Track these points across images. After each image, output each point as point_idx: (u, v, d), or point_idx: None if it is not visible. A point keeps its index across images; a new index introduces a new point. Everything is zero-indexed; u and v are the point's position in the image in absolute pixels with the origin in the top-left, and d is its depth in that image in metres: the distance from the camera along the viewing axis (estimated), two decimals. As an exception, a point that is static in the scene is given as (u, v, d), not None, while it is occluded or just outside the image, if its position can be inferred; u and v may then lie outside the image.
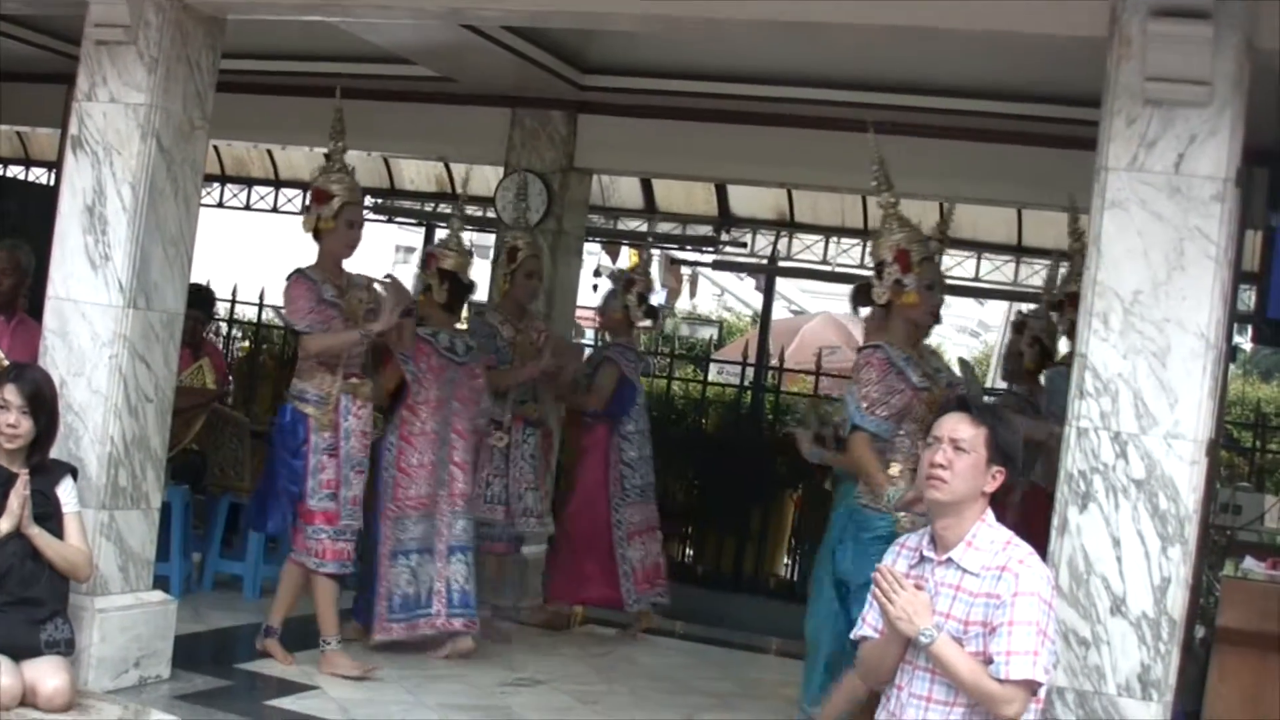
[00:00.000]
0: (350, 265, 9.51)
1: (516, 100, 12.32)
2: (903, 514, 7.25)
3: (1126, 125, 6.53)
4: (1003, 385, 11.02)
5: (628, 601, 11.07)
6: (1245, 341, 14.02)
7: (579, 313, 13.89)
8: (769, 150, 11.72)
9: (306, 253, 9.71)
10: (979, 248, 16.78)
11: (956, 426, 5.58)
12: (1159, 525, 6.40)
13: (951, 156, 11.35)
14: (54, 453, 7.97)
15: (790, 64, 11.29)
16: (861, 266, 16.33)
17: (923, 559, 5.64)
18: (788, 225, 17.08)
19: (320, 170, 9.44)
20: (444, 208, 17.77)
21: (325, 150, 9.63)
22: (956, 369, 8.73)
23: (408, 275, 10.89)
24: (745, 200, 17.07)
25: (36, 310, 8.92)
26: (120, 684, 8.28)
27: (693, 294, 29.24)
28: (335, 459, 9.16)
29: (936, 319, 8.30)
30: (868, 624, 5.72)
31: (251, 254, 11.72)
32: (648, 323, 11.44)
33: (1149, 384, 6.45)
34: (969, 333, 41.65)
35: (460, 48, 10.98)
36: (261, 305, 14.74)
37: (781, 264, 17.20)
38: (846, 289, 10.70)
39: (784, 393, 14.66)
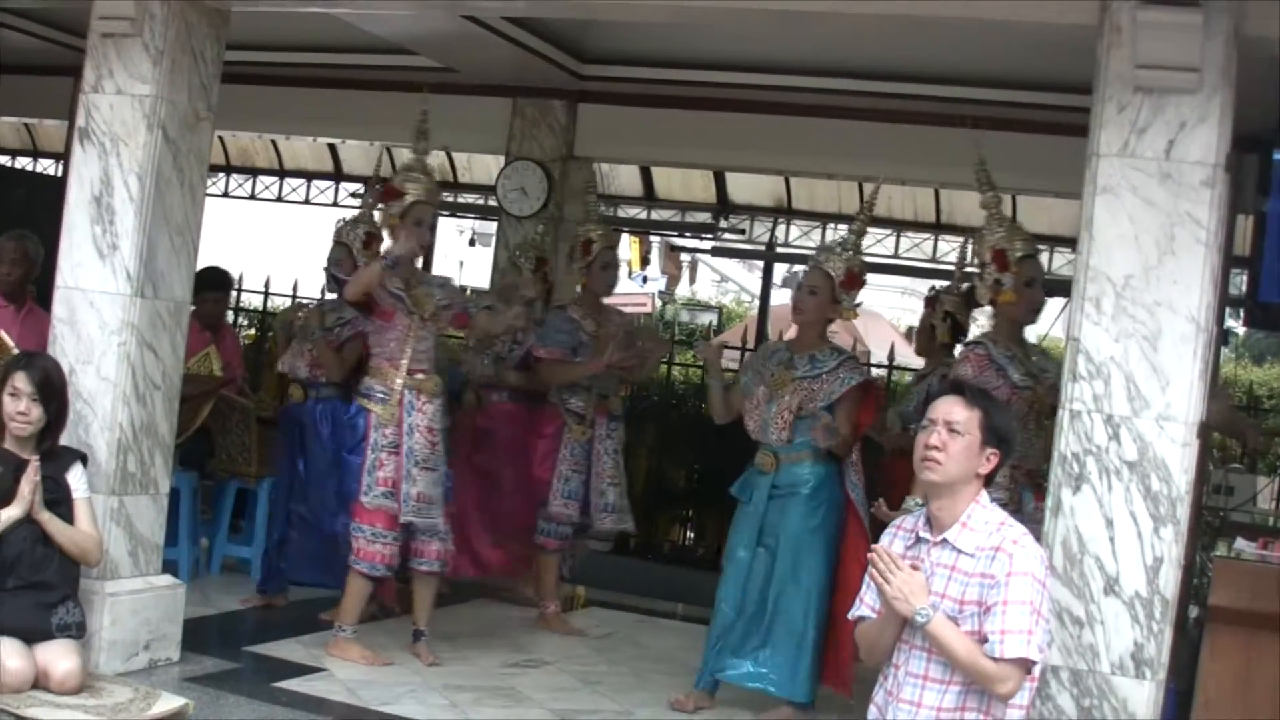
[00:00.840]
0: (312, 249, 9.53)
1: (517, 90, 12.34)
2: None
3: (1117, 112, 6.54)
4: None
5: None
6: (1238, 325, 14.03)
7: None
8: (766, 138, 11.74)
9: (309, 241, 9.75)
10: (973, 233, 16.74)
11: (951, 409, 5.58)
12: (1151, 506, 6.42)
13: (947, 143, 11.32)
14: (64, 439, 8.01)
15: (787, 53, 11.31)
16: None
17: (918, 540, 5.65)
18: (785, 212, 17.09)
19: (400, 168, 9.44)
20: (447, 195, 17.76)
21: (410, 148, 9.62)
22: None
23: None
24: (743, 187, 17.06)
25: (45, 299, 8.93)
26: (130, 666, 8.31)
27: (692, 280, 29.25)
28: (396, 456, 9.13)
29: (1036, 316, 8.37)
30: (865, 604, 5.73)
31: (256, 243, 11.68)
32: None
33: (1141, 367, 6.46)
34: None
35: (461, 38, 10.99)
36: (268, 293, 14.72)
37: (779, 250, 17.19)
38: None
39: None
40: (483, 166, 17.51)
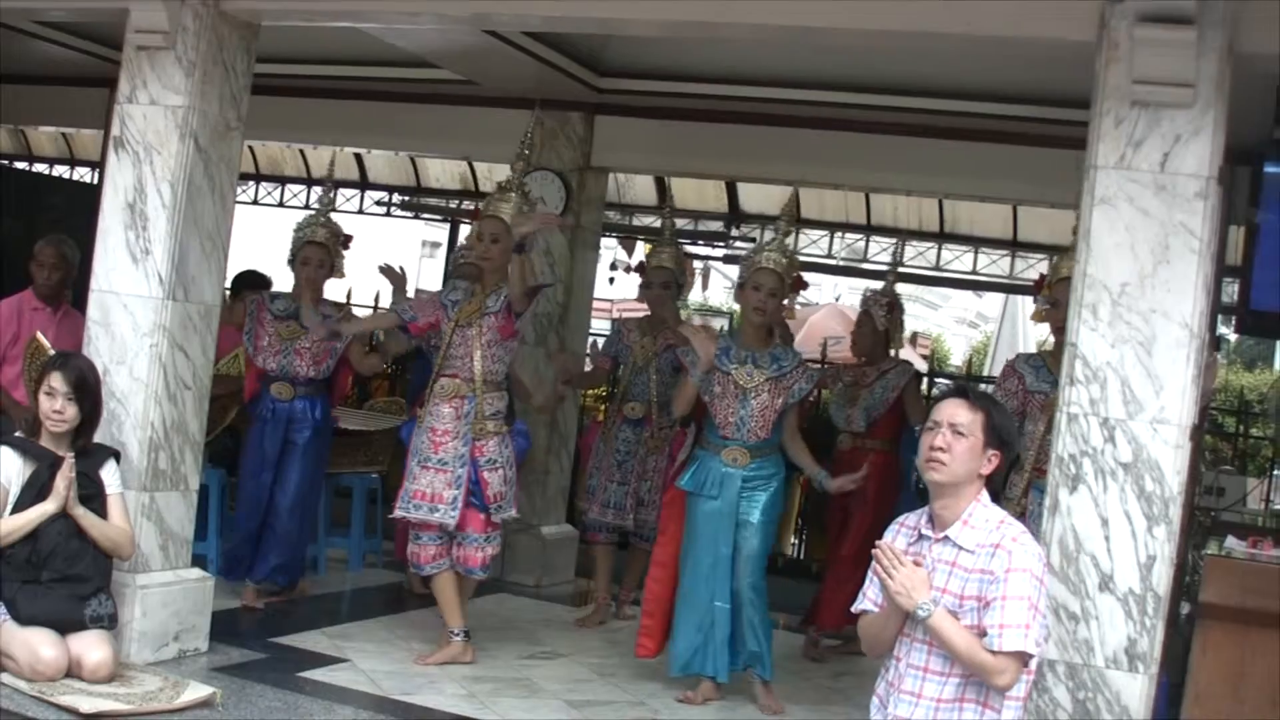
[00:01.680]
0: (376, 258, 9.52)
1: (536, 102, 12.32)
2: None
3: (1115, 125, 6.54)
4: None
5: None
6: (1229, 331, 14.02)
7: (596, 303, 13.90)
8: (777, 149, 11.73)
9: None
10: (976, 242, 16.82)
11: (955, 412, 5.59)
12: (1145, 506, 6.42)
13: (951, 155, 11.36)
14: (97, 437, 8.04)
15: (796, 67, 11.31)
16: (865, 260, 16.37)
17: (921, 537, 5.65)
18: (794, 221, 17.06)
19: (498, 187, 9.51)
20: (468, 204, 17.78)
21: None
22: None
23: (434, 269, 10.91)
24: (754, 197, 17.08)
25: (80, 302, 8.95)
26: (160, 656, 8.32)
27: (705, 286, 29.24)
28: (410, 453, 9.18)
29: (1063, 332, 8.36)
30: (868, 598, 5.74)
31: (284, 249, 11.72)
32: None
33: (1136, 372, 6.46)
34: (968, 324, 41.68)
35: (483, 52, 10.99)
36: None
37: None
38: (851, 281, 10.74)
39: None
40: (503, 175, 17.50)
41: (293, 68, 12.51)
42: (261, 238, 11.56)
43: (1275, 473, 14.87)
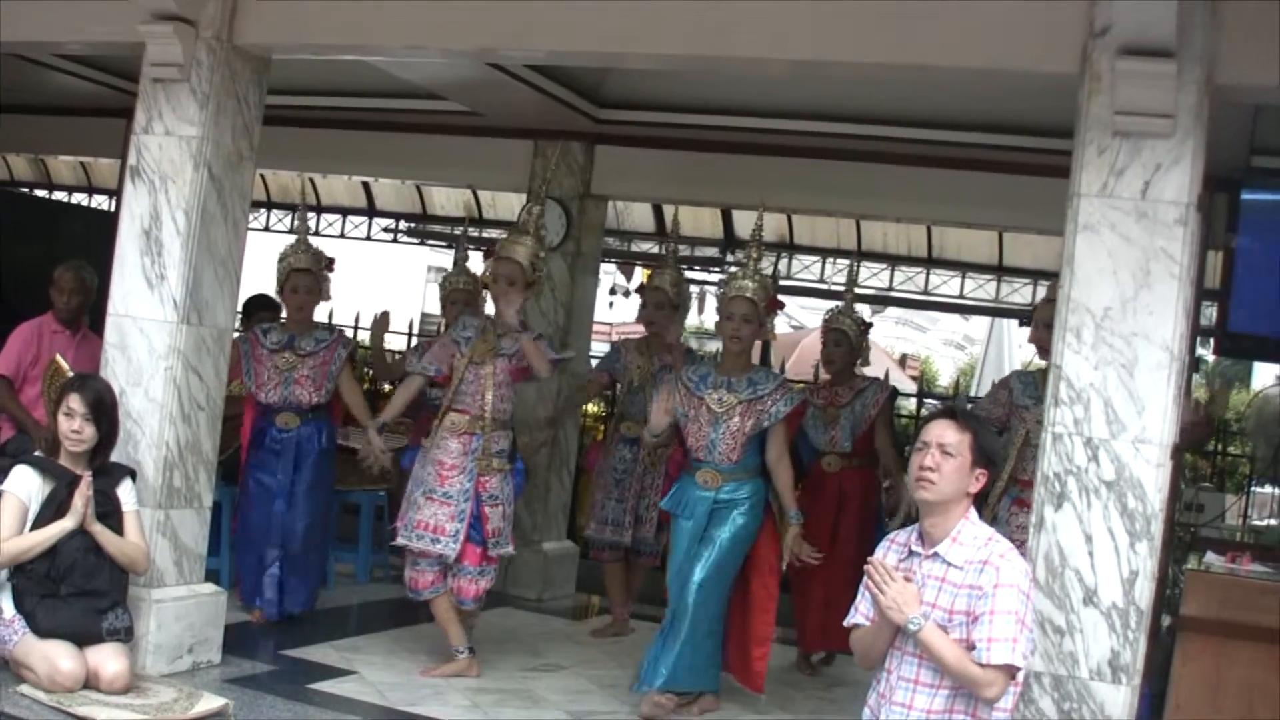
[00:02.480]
0: (382, 283, 9.51)
1: (538, 132, 12.32)
2: None
3: (1097, 155, 6.55)
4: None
5: None
6: (1208, 353, 14.00)
7: (596, 327, 13.90)
8: (770, 178, 11.72)
9: (344, 274, 9.80)
10: (963, 267, 16.85)
11: (943, 432, 5.59)
12: (1128, 523, 6.42)
13: (938, 184, 11.37)
14: (114, 456, 8.04)
15: (789, 100, 11.33)
16: (857, 286, 16.38)
17: (911, 553, 5.66)
18: (788, 247, 17.13)
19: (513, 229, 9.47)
20: (473, 231, 17.81)
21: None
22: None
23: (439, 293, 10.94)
24: (748, 224, 16.99)
25: (99, 325, 8.95)
26: (175, 668, 8.31)
27: (700, 310, 29.24)
28: (414, 483, 9.15)
29: (1045, 354, 8.33)
30: (860, 612, 5.74)
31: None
32: None
33: (1118, 393, 6.47)
34: (955, 345, 41.71)
35: (486, 84, 11.00)
36: (357, 327, 14.71)
37: (782, 283, 17.18)
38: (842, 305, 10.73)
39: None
40: (506, 203, 17.56)
41: (303, 99, 12.52)
42: (273, 264, 11.56)
43: (1253, 489, 14.89)
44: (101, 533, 7.73)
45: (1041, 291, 15.18)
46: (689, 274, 17.00)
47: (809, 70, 8.25)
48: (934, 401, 15.03)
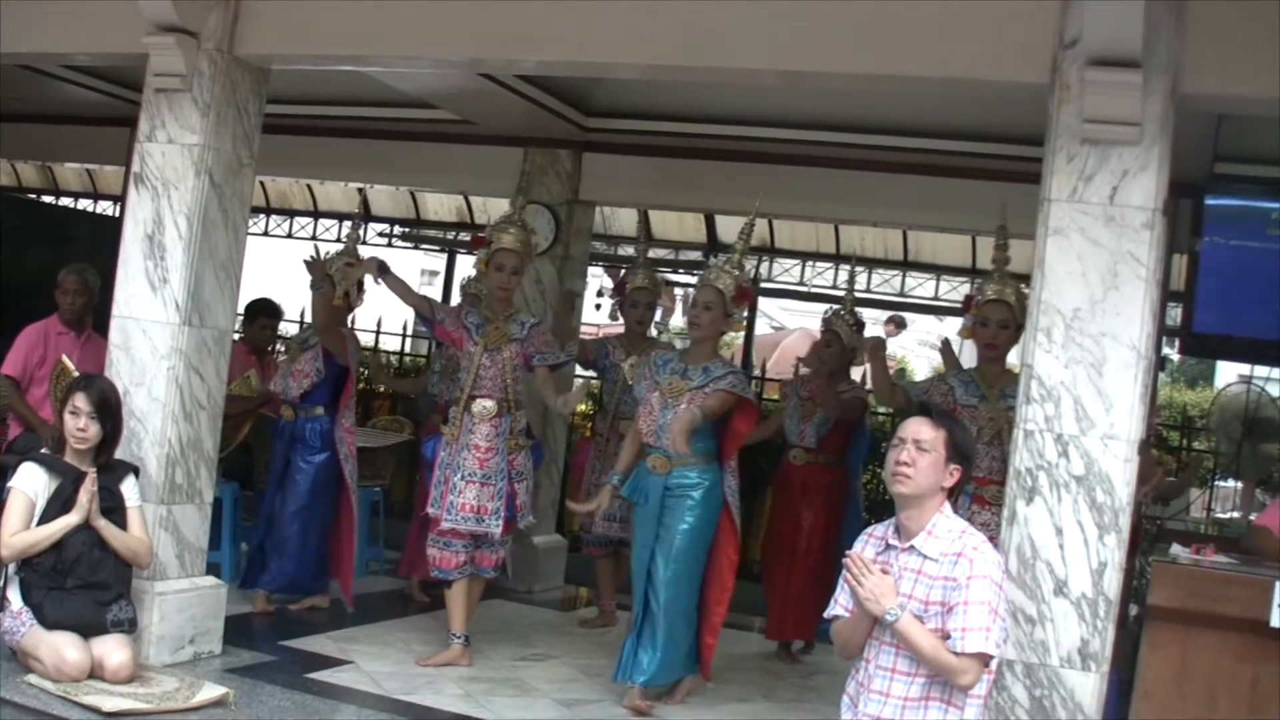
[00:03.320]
0: (377, 286, 9.51)
1: (528, 140, 12.32)
2: None
3: (1067, 161, 6.55)
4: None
5: None
6: (1173, 352, 14.03)
7: (584, 328, 13.89)
8: (752, 184, 11.67)
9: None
10: (938, 270, 16.84)
11: (919, 429, 5.60)
12: (1096, 516, 6.42)
13: (914, 189, 11.39)
14: (118, 454, 8.04)
15: (770, 108, 11.32)
16: (834, 288, 16.38)
17: (888, 546, 5.66)
18: (769, 250, 17.10)
19: (499, 219, 9.44)
20: (464, 235, 17.79)
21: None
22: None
23: (433, 295, 10.92)
24: (730, 228, 17.04)
25: (103, 326, 8.94)
26: (177, 658, 8.31)
27: (684, 313, 29.33)
28: (451, 469, 9.15)
29: (994, 350, 8.49)
30: (840, 604, 5.73)
31: (293, 279, 11.66)
32: None
33: (1088, 391, 6.47)
34: (930, 345, 41.64)
35: (478, 94, 10.99)
36: (303, 324, 14.71)
37: (764, 285, 17.20)
38: (821, 307, 10.73)
39: (766, 400, 14.60)
40: (497, 209, 17.50)
41: (301, 108, 12.52)
42: (272, 267, 11.55)
43: (1216, 484, 14.94)
44: (106, 528, 7.74)
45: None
46: (673, 277, 17.05)
47: (790, 80, 8.23)
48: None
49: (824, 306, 10.77)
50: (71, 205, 20.45)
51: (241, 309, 11.08)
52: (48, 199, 20.72)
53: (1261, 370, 12.36)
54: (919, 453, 5.56)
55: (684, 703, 8.73)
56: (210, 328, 8.51)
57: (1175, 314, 10.82)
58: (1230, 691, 6.77)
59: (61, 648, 7.46)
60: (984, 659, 5.34)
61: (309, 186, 19.25)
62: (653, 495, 8.52)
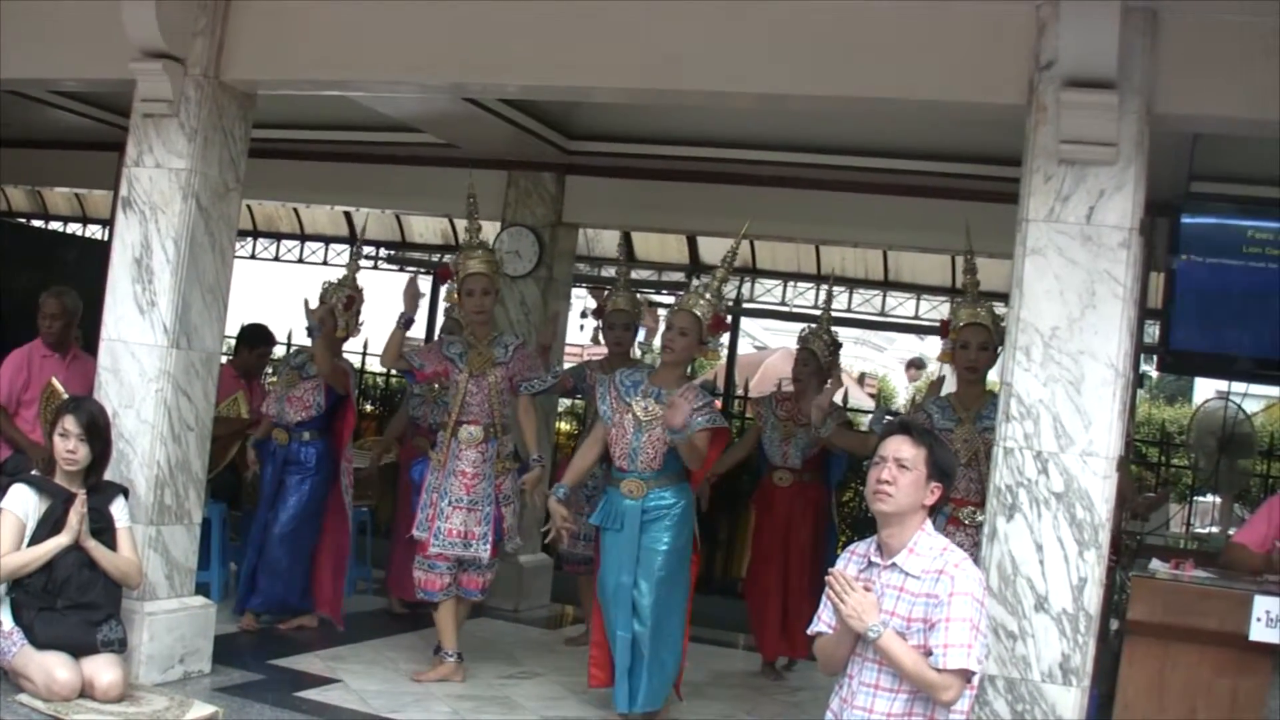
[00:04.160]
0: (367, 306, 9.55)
1: (511, 164, 12.34)
2: None
3: (1044, 182, 6.57)
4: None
5: None
6: (1151, 369, 14.05)
7: (568, 349, 13.89)
8: (733, 205, 11.73)
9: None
10: (918, 290, 16.87)
11: (900, 447, 5.59)
12: (1076, 532, 6.43)
13: (894, 210, 11.42)
14: (107, 475, 8.03)
15: (750, 130, 11.35)
16: (815, 307, 16.40)
17: (870, 564, 5.65)
18: (751, 271, 17.13)
19: (461, 248, 9.49)
20: (449, 257, 17.81)
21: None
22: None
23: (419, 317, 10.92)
24: (713, 249, 17.08)
25: (92, 348, 8.94)
26: (167, 677, 8.29)
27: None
28: (438, 494, 9.15)
29: (972, 372, 8.51)
30: (823, 621, 5.72)
31: (279, 301, 11.67)
32: None
33: (1066, 408, 6.48)
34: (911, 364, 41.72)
35: (461, 118, 11.02)
36: (289, 347, 14.70)
37: (745, 305, 17.22)
38: (801, 327, 10.75)
39: (748, 419, 14.60)
40: (482, 231, 17.52)
41: (287, 132, 12.54)
42: (258, 290, 11.55)
43: (1194, 499, 14.96)
44: (96, 548, 7.72)
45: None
46: (656, 298, 17.05)
47: (768, 104, 8.25)
48: (890, 417, 15.04)
49: (800, 325, 10.74)
50: (61, 229, 20.43)
51: (234, 333, 11.10)
52: (37, 223, 20.72)
53: (1239, 386, 12.38)
54: (900, 471, 5.55)
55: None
56: (198, 350, 8.50)
57: (1153, 331, 10.84)
58: (1209, 705, 6.78)
59: (52, 667, 7.44)
60: (966, 675, 5.33)
61: (295, 210, 19.24)
62: (629, 520, 8.38)
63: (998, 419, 6.72)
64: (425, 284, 21.06)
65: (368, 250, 19.50)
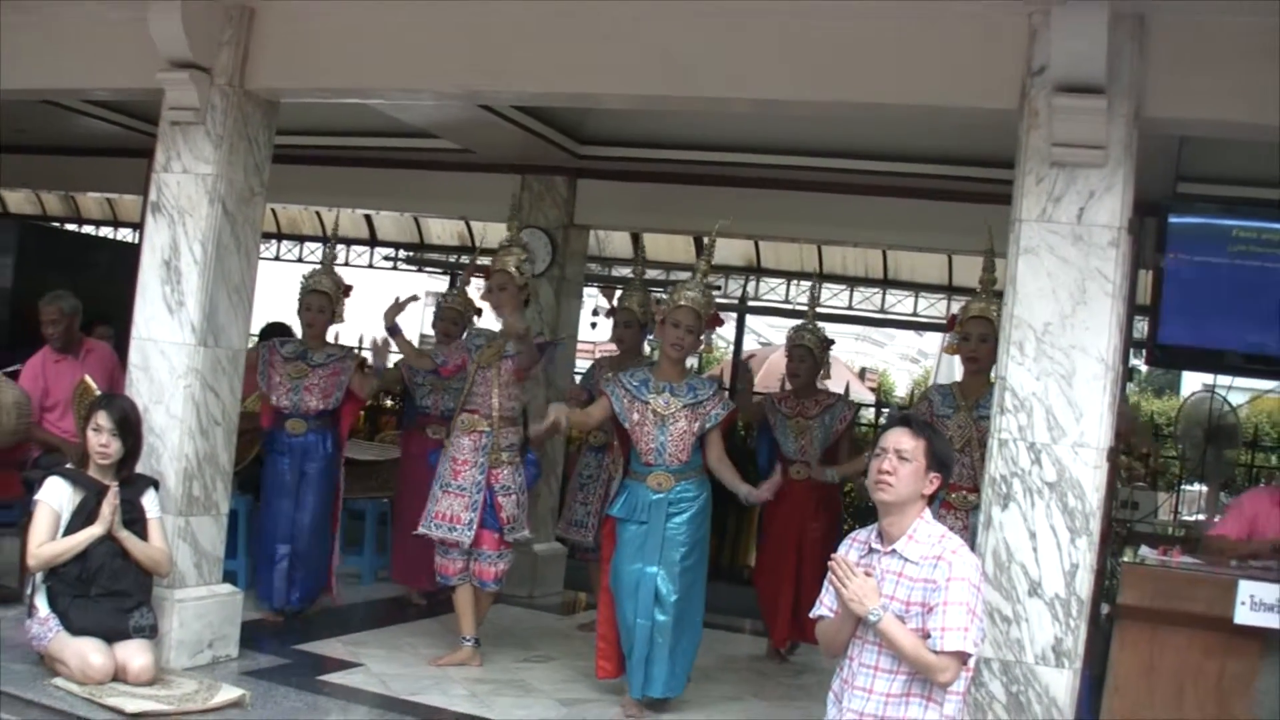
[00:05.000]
0: (384, 307, 9.56)
1: (524, 168, 12.34)
2: None
3: (1036, 183, 6.57)
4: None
5: None
6: (1141, 363, 14.06)
7: (580, 346, 13.89)
8: (739, 208, 11.73)
9: (351, 301, 9.89)
10: (916, 288, 16.90)
11: (900, 439, 5.60)
12: (1068, 520, 6.43)
13: (893, 211, 11.40)
14: (138, 468, 8.07)
15: (754, 135, 11.35)
16: (819, 305, 16.42)
17: (871, 550, 5.65)
18: (755, 270, 17.15)
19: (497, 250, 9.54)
20: (465, 258, 17.83)
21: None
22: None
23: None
24: (719, 249, 17.05)
25: (122, 344, 8.98)
26: (196, 662, 8.32)
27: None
28: (436, 479, 9.23)
29: (975, 364, 8.58)
30: (825, 605, 5.73)
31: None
32: None
33: (1059, 401, 6.48)
34: (909, 359, 41.71)
35: (476, 124, 11.02)
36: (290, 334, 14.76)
37: (750, 303, 17.23)
38: (789, 327, 10.75)
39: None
40: (496, 233, 17.52)
41: (309, 139, 12.55)
42: (282, 290, 11.57)
43: (1182, 488, 14.96)
44: (128, 538, 7.77)
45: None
46: (664, 296, 17.06)
47: (768, 109, 8.24)
48: (890, 410, 15.05)
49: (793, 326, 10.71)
50: (93, 232, 20.45)
51: (259, 332, 11.12)
52: (70, 227, 20.75)
53: (1224, 379, 12.37)
54: (900, 462, 5.56)
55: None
56: (225, 348, 8.53)
57: (1142, 327, 10.83)
58: (1197, 686, 6.78)
59: (86, 652, 7.48)
60: (962, 657, 5.33)
61: (318, 213, 19.27)
62: (654, 512, 8.39)
63: (992, 411, 6.72)
64: (442, 284, 21.11)
65: (387, 251, 19.55)
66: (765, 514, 10.25)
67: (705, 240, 9.08)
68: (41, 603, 7.70)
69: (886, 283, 17.05)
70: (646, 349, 11.23)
